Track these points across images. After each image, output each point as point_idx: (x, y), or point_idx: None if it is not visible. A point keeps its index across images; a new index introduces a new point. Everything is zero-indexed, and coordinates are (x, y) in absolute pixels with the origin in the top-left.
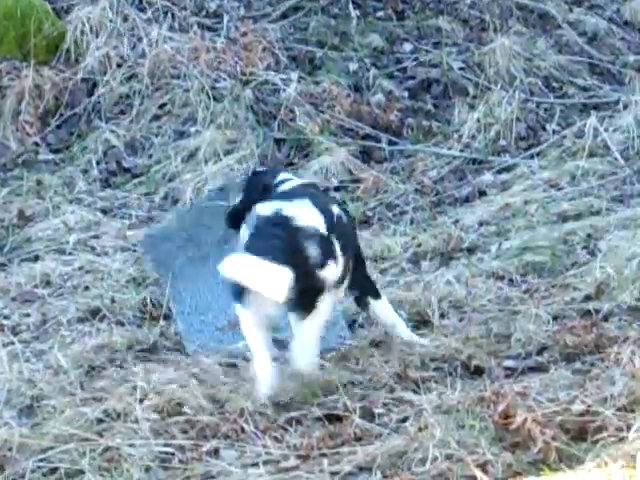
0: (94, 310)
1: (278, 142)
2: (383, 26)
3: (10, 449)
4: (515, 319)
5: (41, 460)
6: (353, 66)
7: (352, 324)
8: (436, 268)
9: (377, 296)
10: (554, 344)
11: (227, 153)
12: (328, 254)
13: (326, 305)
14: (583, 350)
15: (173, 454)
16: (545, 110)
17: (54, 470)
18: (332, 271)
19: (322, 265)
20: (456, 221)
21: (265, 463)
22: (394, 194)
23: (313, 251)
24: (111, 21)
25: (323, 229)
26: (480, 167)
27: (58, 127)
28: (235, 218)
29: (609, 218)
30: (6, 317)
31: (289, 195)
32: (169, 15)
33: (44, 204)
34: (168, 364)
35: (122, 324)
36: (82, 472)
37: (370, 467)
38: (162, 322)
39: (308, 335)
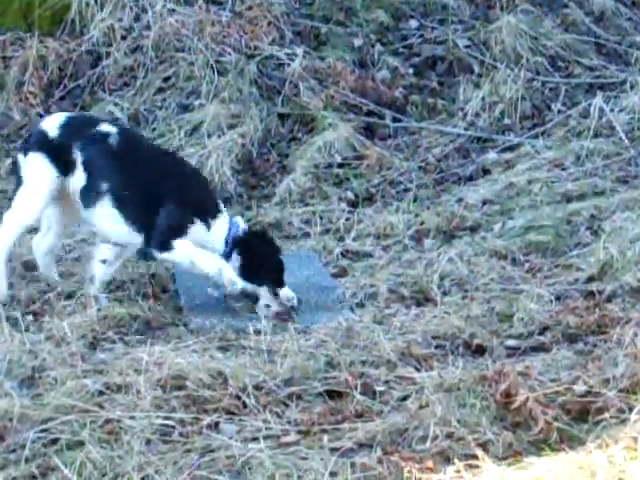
0: None
1: (282, 117)
2: (389, 2)
3: (11, 420)
4: (517, 299)
5: (42, 431)
6: (358, 42)
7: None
8: (439, 246)
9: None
10: (556, 324)
11: (231, 127)
12: None
13: None
14: (585, 331)
15: (173, 427)
16: (550, 89)
17: (55, 441)
18: None
19: None
20: (460, 199)
21: (265, 438)
22: (398, 171)
23: None
24: None
25: None
26: (484, 146)
27: (62, 98)
28: None
29: (613, 199)
30: (8, 288)
31: None
32: None
33: None
34: (170, 338)
35: (125, 297)
36: (82, 443)
37: (370, 444)
38: (164, 296)
39: None
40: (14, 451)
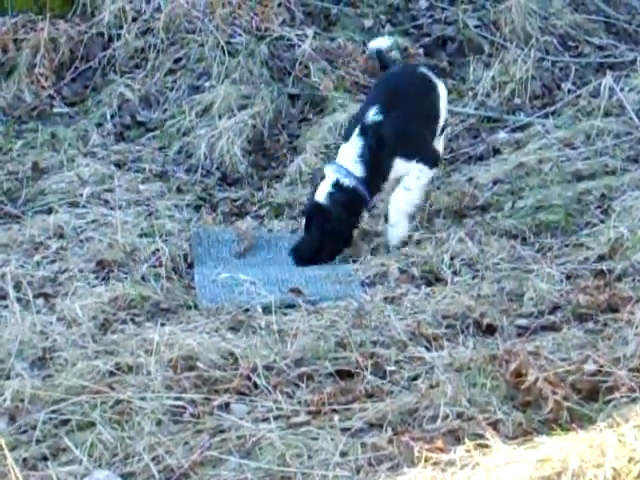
0: (107, 263)
1: (292, 98)
2: None
3: (22, 400)
4: (528, 278)
5: (53, 412)
6: (368, 23)
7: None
8: (449, 226)
9: None
10: (567, 304)
11: (241, 108)
12: None
13: None
14: (596, 310)
15: (184, 408)
16: (560, 69)
17: (65, 422)
18: None
19: None
20: (470, 179)
21: (276, 418)
22: None
23: None
24: None
25: None
26: (495, 125)
27: (73, 80)
28: None
29: (624, 178)
30: (20, 268)
31: None
32: None
33: (58, 157)
34: (181, 319)
35: (135, 278)
36: (93, 424)
37: (381, 424)
38: (175, 276)
39: None
40: (25, 432)
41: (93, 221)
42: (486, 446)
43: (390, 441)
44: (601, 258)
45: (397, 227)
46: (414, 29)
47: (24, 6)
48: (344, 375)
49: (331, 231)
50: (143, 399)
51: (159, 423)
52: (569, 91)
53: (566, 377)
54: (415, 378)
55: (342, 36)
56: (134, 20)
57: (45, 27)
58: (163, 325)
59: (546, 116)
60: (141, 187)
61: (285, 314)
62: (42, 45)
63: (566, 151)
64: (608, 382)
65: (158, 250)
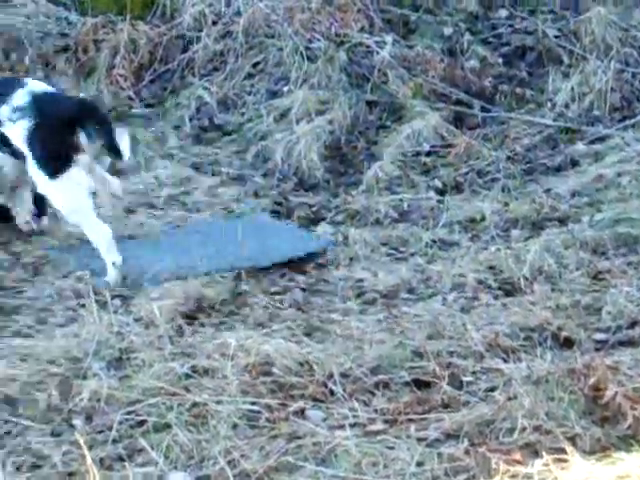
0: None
1: (370, 104)
2: None
3: (98, 400)
4: (606, 291)
5: (129, 413)
6: (448, 31)
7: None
8: (526, 237)
9: None
10: None
11: (319, 114)
12: None
13: None
14: None
15: (260, 413)
16: None
17: (142, 423)
18: None
19: None
20: (547, 190)
21: (352, 426)
22: (485, 161)
23: None
24: None
25: None
26: (573, 136)
27: (152, 82)
28: None
29: None
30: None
31: None
32: None
33: (136, 158)
34: (257, 321)
35: (214, 279)
36: (169, 426)
37: (457, 435)
38: (258, 273)
39: None
40: (101, 432)
41: (170, 223)
42: (564, 460)
43: (467, 452)
44: None
45: None
46: (493, 38)
47: (105, 7)
48: (421, 384)
49: None
50: (219, 402)
51: (235, 427)
52: None
53: None
54: (492, 389)
55: (421, 44)
56: (214, 23)
57: (125, 28)
58: (239, 329)
59: (625, 128)
60: (218, 190)
61: (361, 321)
62: (122, 46)
63: None
64: None
65: None
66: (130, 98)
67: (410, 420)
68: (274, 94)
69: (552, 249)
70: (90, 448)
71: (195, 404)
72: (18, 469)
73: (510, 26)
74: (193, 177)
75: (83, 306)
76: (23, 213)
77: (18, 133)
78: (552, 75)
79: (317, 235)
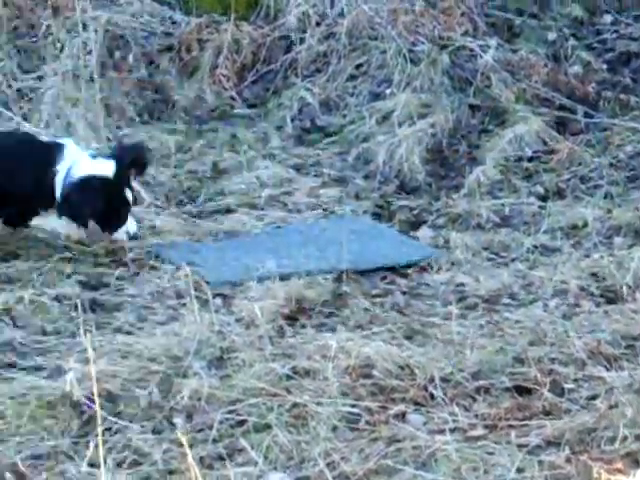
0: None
1: (473, 108)
2: None
3: (199, 399)
4: None
5: (229, 412)
6: (552, 35)
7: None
8: (629, 244)
9: None
10: None
11: (421, 117)
12: None
13: None
14: None
15: (360, 415)
16: None
17: (242, 423)
18: None
19: None
20: None
21: (452, 430)
22: (588, 167)
23: None
24: None
25: None
26: None
27: (254, 82)
28: None
29: None
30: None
31: None
32: None
33: (238, 158)
34: (356, 324)
35: (315, 281)
36: (269, 427)
37: (558, 442)
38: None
39: None
40: (201, 431)
41: (271, 223)
42: None
43: (568, 460)
44: None
45: None
46: (598, 44)
47: (209, 7)
48: (522, 390)
49: None
50: (319, 404)
51: (335, 429)
52: None
53: None
54: (593, 397)
55: (525, 48)
56: (317, 24)
57: (229, 28)
58: (340, 331)
59: None
60: (319, 192)
61: (462, 325)
62: (225, 46)
63: None
64: None
65: None
66: (232, 98)
67: (511, 426)
68: (376, 96)
69: None
70: (190, 447)
71: (295, 405)
72: (119, 465)
73: (615, 32)
74: (294, 178)
75: (184, 305)
76: None
77: None
78: None
79: (419, 243)
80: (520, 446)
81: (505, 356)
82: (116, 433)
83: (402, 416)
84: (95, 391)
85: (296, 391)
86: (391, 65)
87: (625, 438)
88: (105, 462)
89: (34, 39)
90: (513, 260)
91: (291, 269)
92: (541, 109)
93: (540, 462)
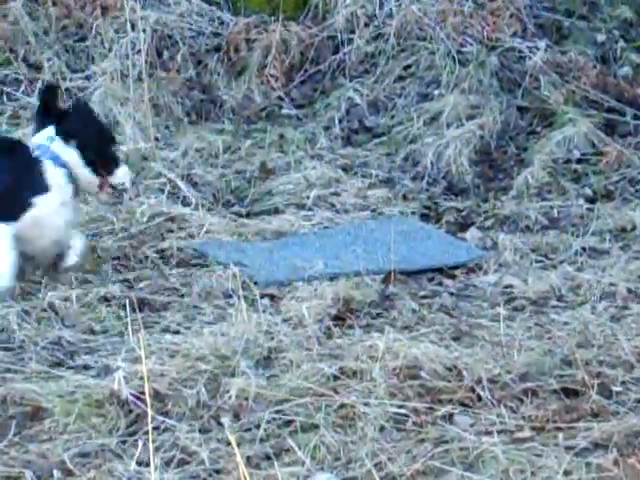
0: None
1: (521, 110)
2: None
3: (246, 399)
4: None
5: (276, 412)
6: (601, 37)
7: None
8: None
9: None
10: None
11: (469, 118)
12: None
13: None
14: None
15: (407, 416)
16: None
17: (289, 423)
18: None
19: None
20: None
21: (499, 432)
22: (637, 169)
23: None
24: None
25: None
26: None
27: (302, 83)
28: None
29: None
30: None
31: None
32: None
33: (286, 158)
34: (403, 324)
35: (363, 281)
36: (317, 427)
37: (606, 445)
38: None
39: None
40: (249, 430)
41: (318, 224)
42: None
43: (615, 462)
44: None
45: None
46: None
47: (257, 7)
48: (569, 393)
49: None
50: (367, 405)
51: (382, 430)
52: None
53: None
54: None
55: (574, 50)
56: (366, 25)
57: (277, 29)
58: (388, 332)
59: None
60: (367, 192)
61: (510, 327)
62: (273, 46)
63: None
64: None
65: None
66: (280, 98)
67: (558, 428)
68: (424, 97)
69: None
70: (238, 446)
71: (343, 405)
72: (167, 464)
73: None
74: (342, 178)
75: (232, 305)
76: None
77: None
78: None
79: (467, 244)
80: (567, 448)
81: (553, 358)
82: (164, 432)
83: (449, 417)
84: (146, 390)
85: (343, 391)
86: (439, 66)
87: None
88: (153, 460)
89: (83, 39)
90: (561, 262)
91: (339, 270)
92: (590, 111)
93: (587, 464)
